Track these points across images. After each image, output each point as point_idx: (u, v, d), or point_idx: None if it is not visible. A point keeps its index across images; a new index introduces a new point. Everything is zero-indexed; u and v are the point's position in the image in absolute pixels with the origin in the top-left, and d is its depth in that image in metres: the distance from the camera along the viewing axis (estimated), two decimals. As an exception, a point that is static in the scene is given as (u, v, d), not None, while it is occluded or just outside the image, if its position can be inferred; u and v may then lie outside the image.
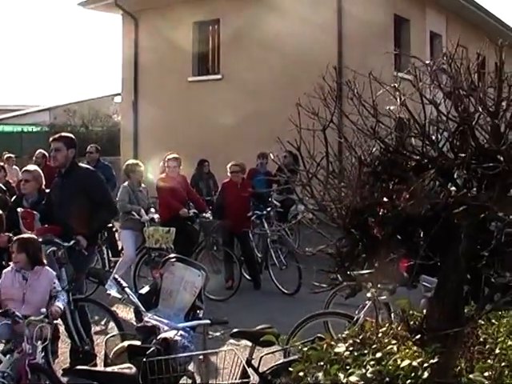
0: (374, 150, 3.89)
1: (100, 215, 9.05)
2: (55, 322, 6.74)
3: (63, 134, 9.50)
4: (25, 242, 7.18)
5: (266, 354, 6.02)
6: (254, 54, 23.76)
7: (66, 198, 8.81)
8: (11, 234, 8.89)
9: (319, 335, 5.14)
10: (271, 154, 5.98)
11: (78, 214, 8.64)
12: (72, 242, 8.53)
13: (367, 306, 7.77)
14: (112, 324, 8.80)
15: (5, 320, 6.50)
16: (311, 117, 3.92)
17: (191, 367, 5.47)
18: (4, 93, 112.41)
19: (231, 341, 7.85)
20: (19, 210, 9.04)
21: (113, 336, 5.80)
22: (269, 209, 14.27)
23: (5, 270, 7.05)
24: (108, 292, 12.08)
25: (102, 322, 10.05)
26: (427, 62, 3.94)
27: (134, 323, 8.33)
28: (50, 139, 9.40)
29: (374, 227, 3.73)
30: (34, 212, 8.86)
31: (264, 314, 10.50)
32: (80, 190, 8.80)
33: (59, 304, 6.95)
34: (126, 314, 11.50)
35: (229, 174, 13.99)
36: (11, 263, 7.20)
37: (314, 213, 3.83)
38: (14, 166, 20.83)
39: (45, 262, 7.21)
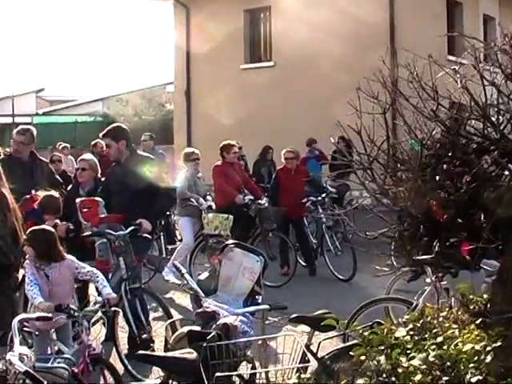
0: (435, 132, 3.86)
1: (160, 201, 9.08)
2: (113, 309, 6.70)
3: (110, 126, 9.45)
4: (33, 236, 6.86)
5: (325, 339, 6.03)
6: (306, 40, 23.64)
7: (125, 186, 8.82)
8: (70, 224, 8.95)
9: (378, 320, 5.14)
10: (332, 138, 5.95)
11: (137, 200, 8.68)
12: (130, 229, 8.54)
13: (427, 291, 7.73)
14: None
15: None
16: (370, 101, 3.90)
17: (250, 352, 5.48)
18: (58, 84, 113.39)
19: (288, 326, 7.89)
20: (77, 200, 9.04)
21: (173, 322, 5.84)
22: (324, 195, 14.22)
23: (25, 263, 6.81)
24: (166, 278, 12.18)
25: (160, 309, 10.14)
26: (487, 43, 3.90)
27: (190, 309, 8.42)
28: (100, 135, 9.49)
29: (435, 210, 3.70)
30: (98, 199, 8.82)
31: (319, 300, 10.49)
32: (139, 177, 8.81)
33: (109, 290, 6.88)
34: (182, 300, 11.62)
35: (283, 160, 14.01)
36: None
37: (376, 196, 3.81)
38: (69, 156, 21.06)
39: (63, 252, 7.01)
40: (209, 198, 13.04)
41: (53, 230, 7.04)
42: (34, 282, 6.54)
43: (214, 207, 12.87)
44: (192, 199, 12.59)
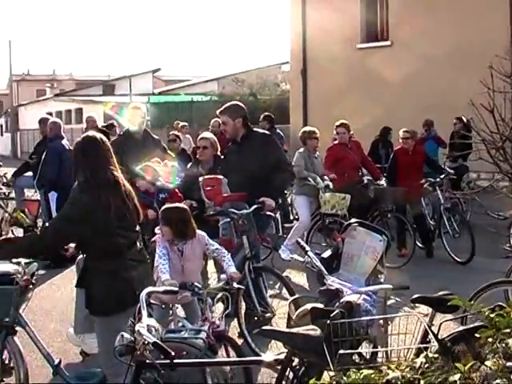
0: None
1: (280, 179, 9.11)
2: (236, 286, 6.76)
3: (227, 104, 9.50)
4: (168, 215, 6.99)
5: (445, 321, 5.99)
6: (424, 20, 23.22)
7: (245, 164, 8.87)
8: (194, 202, 9.07)
9: (500, 303, 5.06)
10: (466, 117, 5.88)
11: (257, 178, 8.71)
12: (253, 208, 8.58)
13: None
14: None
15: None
16: (503, 79, 3.85)
17: (371, 331, 5.48)
18: (174, 64, 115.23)
19: (405, 308, 7.83)
20: (200, 178, 9.15)
21: (296, 298, 5.89)
22: (442, 176, 14.04)
23: (156, 237, 7.01)
24: (282, 257, 12.28)
25: (276, 287, 10.23)
26: None
27: (307, 288, 8.45)
28: (217, 112, 9.51)
29: None
30: (221, 177, 8.84)
31: (436, 282, 10.36)
32: (258, 155, 8.86)
33: (233, 268, 6.95)
34: (299, 278, 11.70)
35: (400, 140, 13.90)
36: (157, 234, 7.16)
37: (509, 176, 3.76)
38: (187, 135, 21.35)
39: (196, 229, 7.09)
40: (325, 177, 13.04)
41: (186, 207, 7.18)
42: (165, 257, 6.68)
43: (331, 186, 12.86)
44: (309, 178, 12.63)
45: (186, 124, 22.40)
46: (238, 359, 5.71)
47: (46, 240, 6.03)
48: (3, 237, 6.48)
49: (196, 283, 6.37)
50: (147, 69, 66.94)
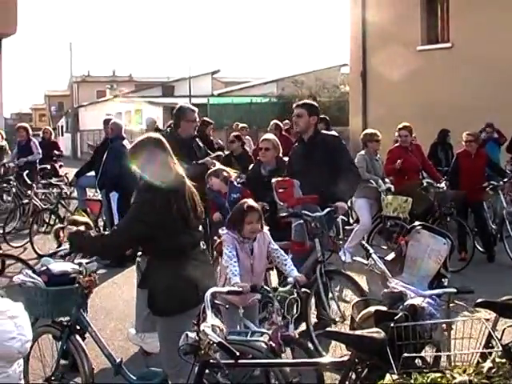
0: None
1: (350, 182, 9.11)
2: (303, 290, 6.70)
3: (307, 101, 9.67)
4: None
5: (509, 326, 5.91)
6: (485, 21, 22.95)
7: (313, 166, 8.86)
8: (265, 204, 9.04)
9: None
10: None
11: (325, 180, 8.69)
12: (327, 211, 8.53)
13: None
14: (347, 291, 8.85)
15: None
16: None
17: (435, 335, 5.43)
18: (233, 66, 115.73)
19: (465, 312, 7.73)
20: (273, 180, 9.09)
21: (359, 301, 5.86)
22: (505, 179, 13.87)
23: (224, 237, 6.91)
24: (343, 259, 12.22)
25: (337, 288, 10.18)
26: None
27: (367, 290, 8.39)
28: (294, 105, 9.54)
29: None
30: (294, 180, 8.82)
31: (497, 286, 10.20)
32: (326, 157, 8.84)
33: (296, 271, 6.90)
34: (359, 281, 11.63)
35: (463, 143, 13.78)
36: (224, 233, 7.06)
37: None
38: (247, 136, 21.42)
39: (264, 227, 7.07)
40: (387, 180, 12.98)
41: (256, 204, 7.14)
42: (235, 259, 6.63)
43: (392, 189, 12.79)
44: (371, 180, 12.59)
45: (245, 126, 22.47)
46: (298, 361, 5.68)
47: (117, 241, 6.06)
48: (76, 228, 6.49)
49: (265, 286, 6.37)
50: (206, 70, 67.34)
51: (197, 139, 10.86)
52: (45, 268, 6.52)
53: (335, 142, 9.33)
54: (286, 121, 21.68)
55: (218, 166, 9.83)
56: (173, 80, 68.80)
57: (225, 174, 9.54)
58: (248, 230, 6.80)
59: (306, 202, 8.64)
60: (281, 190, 8.86)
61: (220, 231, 7.08)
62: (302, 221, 8.49)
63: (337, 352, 7.51)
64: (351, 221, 15.10)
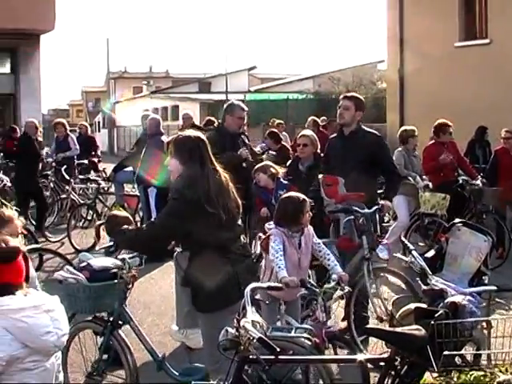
0: None
1: (393, 180, 9.14)
2: (347, 288, 6.65)
3: (356, 94, 9.54)
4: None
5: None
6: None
7: (351, 162, 8.78)
8: (311, 201, 9.00)
9: None
10: None
11: (364, 178, 8.64)
12: (375, 209, 8.48)
13: None
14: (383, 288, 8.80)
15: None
16: None
17: (476, 333, 5.40)
18: (269, 62, 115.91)
19: (499, 310, 7.66)
20: (320, 176, 9.05)
21: (399, 298, 5.85)
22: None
23: (272, 231, 6.87)
24: (380, 256, 12.16)
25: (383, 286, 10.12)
26: None
27: (404, 287, 8.33)
28: (341, 96, 9.47)
29: None
30: (339, 178, 8.73)
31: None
32: (366, 154, 8.76)
33: (339, 268, 6.86)
34: (396, 278, 11.56)
35: (501, 140, 13.68)
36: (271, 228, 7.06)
37: None
38: (284, 133, 21.39)
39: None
40: (424, 177, 12.90)
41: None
42: (281, 252, 6.60)
43: (430, 186, 12.72)
44: (409, 177, 12.52)
45: (282, 122, 22.43)
46: (339, 357, 5.68)
47: (152, 236, 6.06)
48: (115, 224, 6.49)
49: (312, 281, 6.36)
50: (243, 66, 67.36)
51: (243, 135, 10.90)
52: (86, 264, 6.57)
53: (377, 140, 9.25)
54: (324, 117, 21.65)
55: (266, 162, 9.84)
56: (209, 76, 68.86)
57: (272, 170, 9.58)
58: (306, 220, 6.83)
59: (353, 199, 8.55)
60: (327, 186, 8.84)
61: (267, 225, 7.08)
62: (352, 217, 8.35)
63: (375, 350, 7.52)
64: (386, 218, 15.04)
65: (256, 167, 9.83)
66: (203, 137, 6.24)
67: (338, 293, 6.23)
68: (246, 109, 10.70)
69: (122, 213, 7.01)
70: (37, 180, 16.13)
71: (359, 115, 9.08)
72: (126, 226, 6.26)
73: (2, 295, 4.42)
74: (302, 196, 6.96)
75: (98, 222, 7.38)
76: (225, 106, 10.86)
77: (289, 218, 6.81)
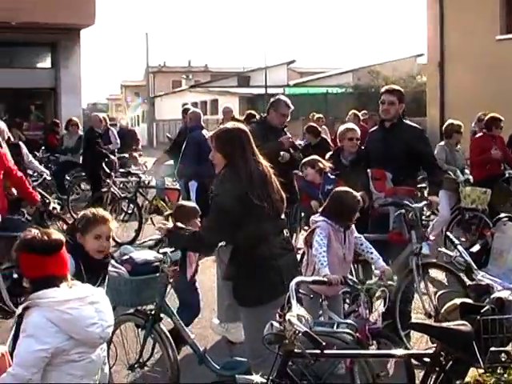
0: None
1: (437, 175, 9.11)
2: (389, 283, 6.59)
3: (397, 87, 9.45)
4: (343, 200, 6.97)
5: None
6: None
7: (391, 154, 8.73)
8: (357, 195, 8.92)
9: None
10: None
11: (405, 172, 8.64)
12: (423, 204, 8.47)
13: None
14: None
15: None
16: None
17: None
18: (308, 56, 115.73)
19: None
20: (369, 170, 8.97)
21: (444, 293, 5.80)
22: None
23: (320, 224, 6.83)
24: (429, 251, 12.07)
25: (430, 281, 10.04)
26: None
27: (446, 283, 8.24)
28: (382, 90, 9.44)
29: None
30: (386, 172, 8.69)
31: None
32: (406, 147, 8.68)
33: (382, 262, 6.84)
34: (438, 273, 11.48)
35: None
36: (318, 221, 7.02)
37: None
38: (323, 126, 21.32)
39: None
40: (466, 171, 12.80)
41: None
42: (324, 247, 6.58)
43: (471, 181, 12.61)
44: (449, 172, 12.41)
45: (321, 116, 22.37)
46: (384, 352, 5.59)
47: (211, 239, 6.02)
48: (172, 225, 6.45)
49: (353, 278, 6.33)
50: (282, 60, 67.31)
51: (285, 129, 10.90)
52: (128, 257, 6.59)
53: (419, 134, 9.16)
54: (364, 111, 21.56)
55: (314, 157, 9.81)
56: (248, 70, 68.95)
57: (320, 165, 9.53)
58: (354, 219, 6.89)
59: (402, 194, 8.51)
60: (375, 180, 8.81)
61: (313, 218, 7.06)
62: (402, 211, 8.26)
63: (418, 346, 7.45)
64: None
65: (303, 161, 9.80)
66: (246, 129, 6.20)
67: (382, 290, 6.12)
68: (292, 107, 10.69)
69: (189, 203, 6.97)
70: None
71: (401, 108, 9.00)
72: (180, 225, 6.23)
73: (47, 287, 4.45)
74: (357, 194, 7.00)
75: (166, 213, 7.37)
76: (271, 99, 10.91)
77: (343, 213, 6.85)
